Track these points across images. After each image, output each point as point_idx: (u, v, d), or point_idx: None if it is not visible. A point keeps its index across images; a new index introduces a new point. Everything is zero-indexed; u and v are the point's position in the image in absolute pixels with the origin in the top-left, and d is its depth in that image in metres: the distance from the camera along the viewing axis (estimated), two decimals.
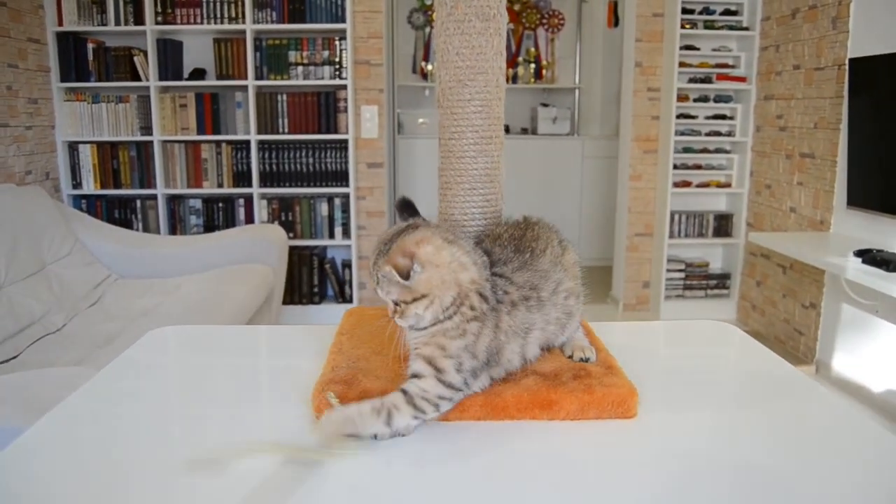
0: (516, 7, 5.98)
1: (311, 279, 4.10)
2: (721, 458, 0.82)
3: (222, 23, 3.83)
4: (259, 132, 3.94)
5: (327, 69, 3.93)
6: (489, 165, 1.02)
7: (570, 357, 1.01)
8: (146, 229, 4.00)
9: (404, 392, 0.83)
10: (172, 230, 4.02)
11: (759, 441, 0.87)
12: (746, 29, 4.16)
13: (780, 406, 0.97)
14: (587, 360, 1.00)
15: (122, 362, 1.12)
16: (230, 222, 4.03)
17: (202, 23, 3.83)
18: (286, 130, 3.97)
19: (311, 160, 3.99)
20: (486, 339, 0.86)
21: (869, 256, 2.76)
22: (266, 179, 4.00)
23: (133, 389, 1.02)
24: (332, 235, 4.09)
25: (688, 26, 4.14)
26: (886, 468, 0.81)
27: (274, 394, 1.04)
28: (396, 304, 0.86)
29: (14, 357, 2.34)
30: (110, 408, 0.95)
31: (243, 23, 3.82)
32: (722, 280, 4.44)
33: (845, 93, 3.21)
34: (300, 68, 3.92)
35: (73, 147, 3.90)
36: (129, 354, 1.16)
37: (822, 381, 3.40)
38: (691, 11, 4.17)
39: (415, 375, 0.85)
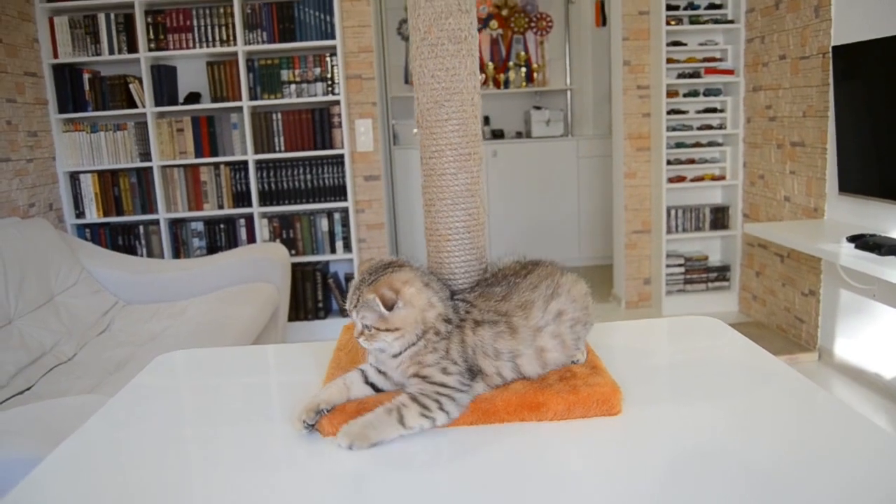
0: (504, 12, 6.03)
1: (315, 295, 4.15)
2: (704, 451, 0.86)
3: (214, 46, 3.89)
4: (256, 152, 4.00)
5: (320, 86, 3.98)
6: (469, 181, 1.06)
7: None
8: (150, 254, 4.05)
9: (408, 393, 0.93)
10: (176, 254, 4.07)
11: (742, 434, 0.90)
12: (732, 22, 4.20)
13: (763, 399, 1.01)
14: (577, 361, 1.05)
15: (132, 388, 1.16)
16: (232, 243, 4.08)
17: (194, 47, 3.89)
18: (282, 149, 4.02)
19: (308, 176, 4.05)
20: (456, 351, 0.94)
21: (862, 241, 2.80)
22: (265, 198, 4.05)
23: (144, 414, 1.06)
24: (333, 250, 4.14)
25: (673, 22, 4.18)
26: (872, 457, 0.85)
27: (281, 412, 1.08)
28: (367, 328, 0.95)
29: (28, 389, 2.38)
30: (124, 434, 0.99)
31: (235, 45, 3.88)
32: (722, 272, 4.47)
33: (831, 80, 3.25)
34: (293, 86, 3.98)
35: (74, 177, 3.97)
36: (139, 380, 1.20)
37: (825, 368, 3.43)
38: (676, 7, 4.21)
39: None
